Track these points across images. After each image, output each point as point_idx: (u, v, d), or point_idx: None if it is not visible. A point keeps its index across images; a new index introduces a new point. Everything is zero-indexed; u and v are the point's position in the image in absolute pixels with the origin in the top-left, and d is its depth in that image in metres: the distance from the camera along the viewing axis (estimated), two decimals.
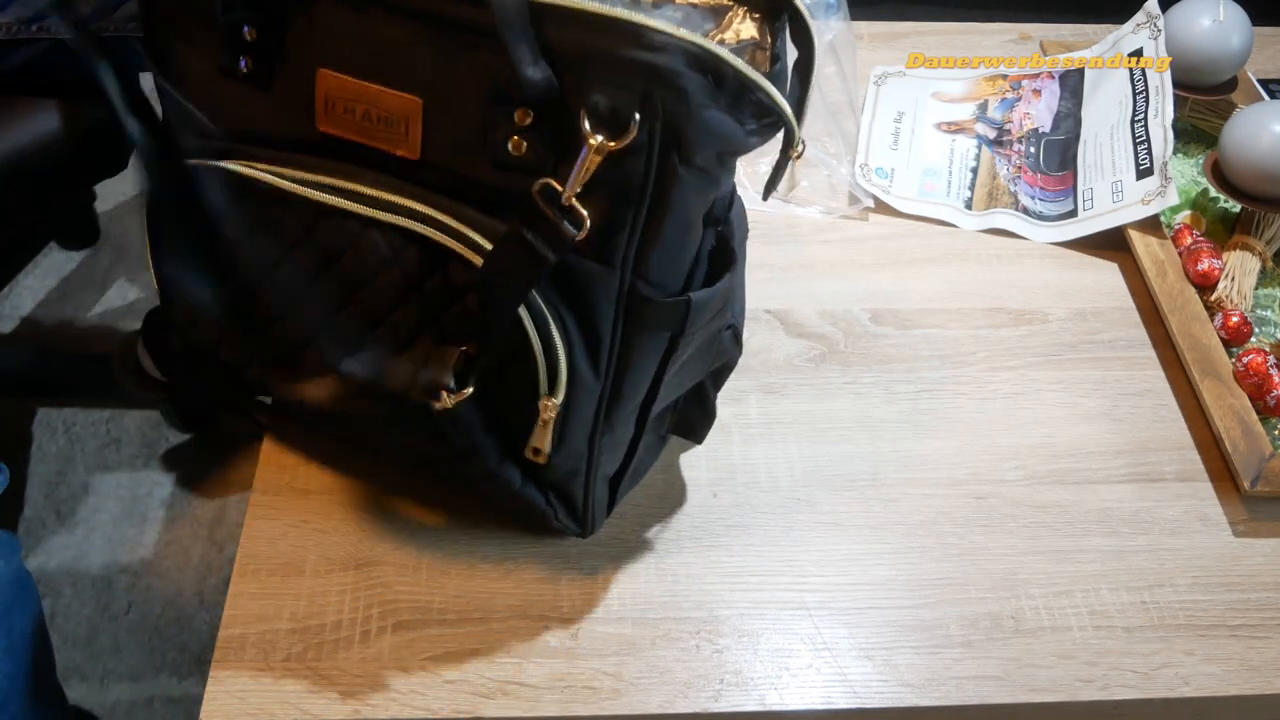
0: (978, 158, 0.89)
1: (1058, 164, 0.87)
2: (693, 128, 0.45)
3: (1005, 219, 0.84)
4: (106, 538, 1.23)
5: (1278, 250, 0.81)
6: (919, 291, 0.78)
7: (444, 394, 0.50)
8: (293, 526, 0.62)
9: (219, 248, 0.55)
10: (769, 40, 0.47)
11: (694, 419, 0.64)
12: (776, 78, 0.47)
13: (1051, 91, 0.93)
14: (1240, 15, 0.87)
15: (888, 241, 0.82)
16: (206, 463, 1.30)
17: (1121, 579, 0.62)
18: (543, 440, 0.53)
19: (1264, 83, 0.96)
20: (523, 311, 0.49)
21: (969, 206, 0.85)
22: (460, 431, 0.53)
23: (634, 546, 0.62)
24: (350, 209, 0.50)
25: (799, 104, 0.48)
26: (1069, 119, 0.90)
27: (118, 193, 1.59)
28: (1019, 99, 0.93)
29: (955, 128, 0.91)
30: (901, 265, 0.81)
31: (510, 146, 0.47)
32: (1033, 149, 0.89)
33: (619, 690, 0.56)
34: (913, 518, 0.65)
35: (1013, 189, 0.86)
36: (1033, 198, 0.86)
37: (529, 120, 0.46)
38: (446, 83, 0.47)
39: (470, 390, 0.51)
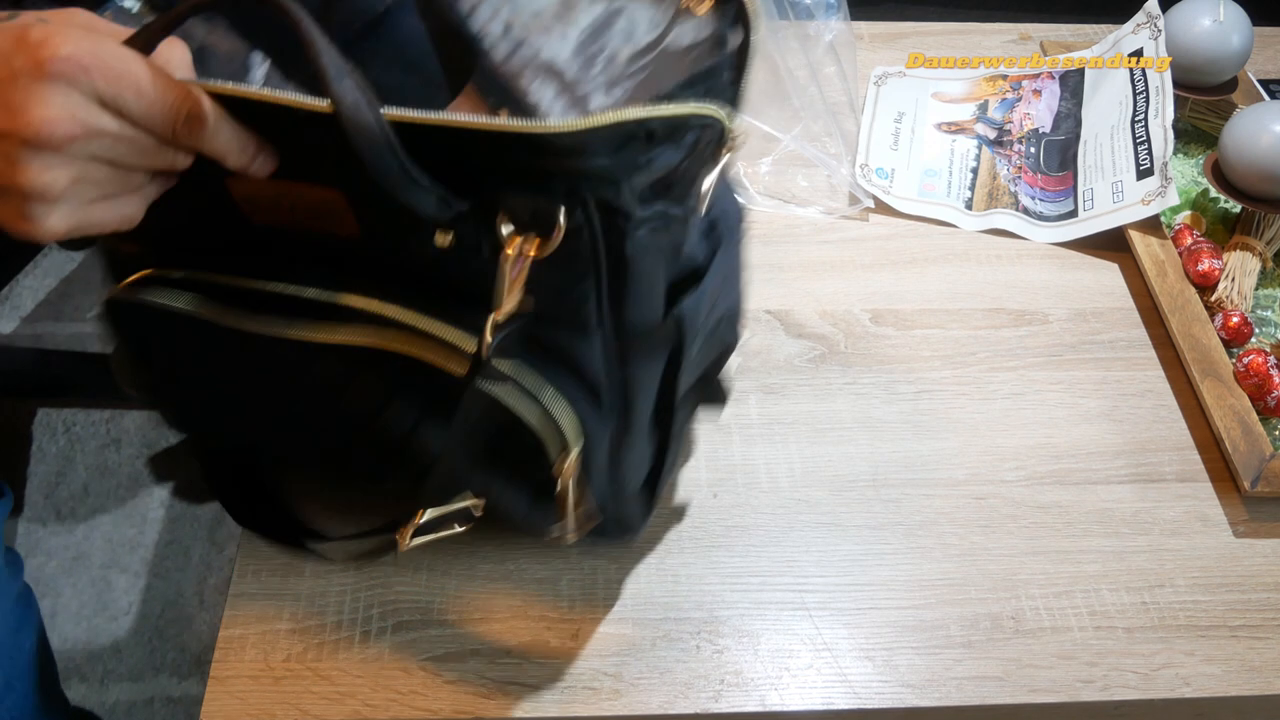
0: (978, 158, 0.89)
1: (1058, 164, 0.87)
2: (628, 192, 0.43)
3: (1005, 219, 0.84)
4: (106, 538, 1.23)
5: (1278, 250, 0.81)
6: (919, 291, 0.78)
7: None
8: None
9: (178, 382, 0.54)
10: (714, 20, 0.45)
11: (707, 404, 0.64)
12: (712, 74, 0.44)
13: (1052, 92, 0.93)
14: (1240, 15, 0.87)
15: (888, 241, 0.82)
16: None
17: (1122, 579, 0.62)
18: (565, 507, 0.52)
19: (1264, 83, 0.96)
20: (514, 398, 0.47)
21: (969, 207, 0.85)
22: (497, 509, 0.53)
23: (634, 546, 0.62)
24: (302, 338, 0.47)
25: (735, 93, 0.46)
26: (1069, 119, 0.90)
27: None
28: (1019, 99, 0.93)
29: (955, 128, 0.91)
30: (901, 265, 0.81)
31: (436, 241, 0.44)
32: (1033, 149, 0.89)
33: (619, 690, 0.56)
34: (913, 518, 0.65)
35: (1013, 189, 0.86)
36: (1033, 198, 0.86)
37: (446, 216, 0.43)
38: (358, 180, 0.42)
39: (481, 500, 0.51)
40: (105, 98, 0.37)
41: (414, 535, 0.51)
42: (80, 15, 0.40)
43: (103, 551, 1.22)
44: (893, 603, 0.61)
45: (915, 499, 0.66)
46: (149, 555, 1.22)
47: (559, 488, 0.50)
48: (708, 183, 0.46)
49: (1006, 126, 0.91)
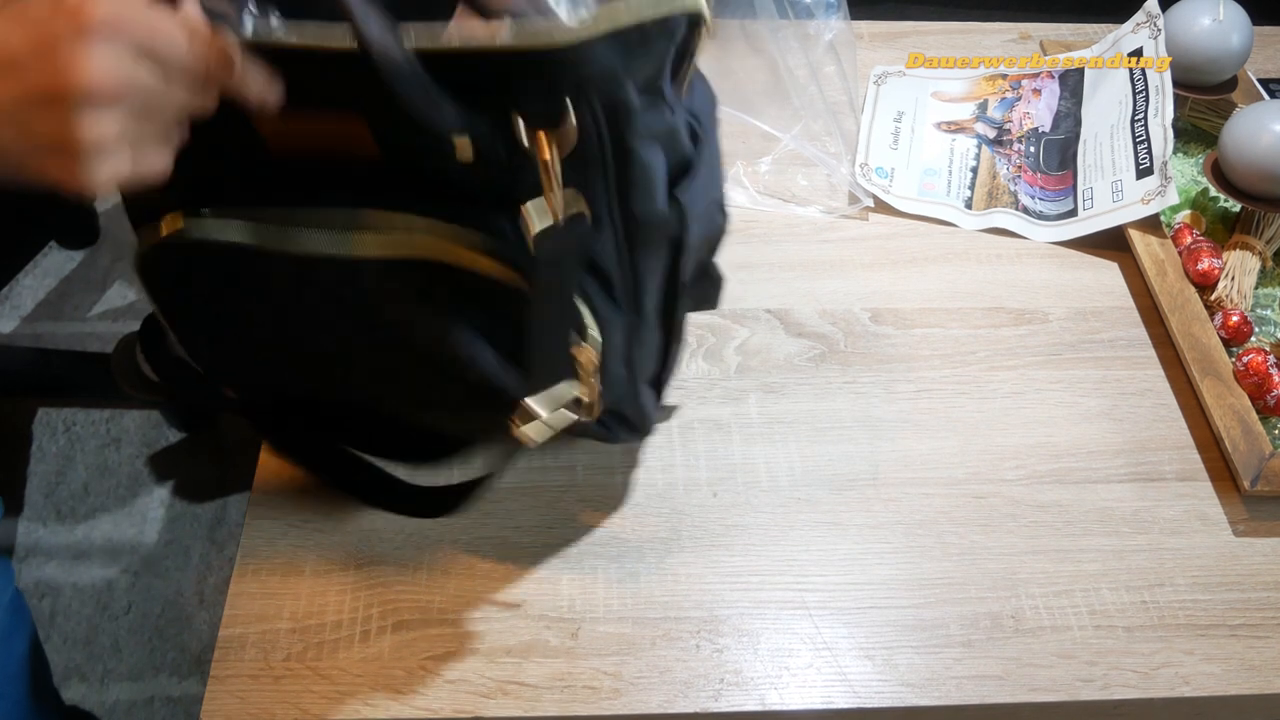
0: (978, 157, 0.89)
1: (1058, 163, 0.87)
2: (630, 86, 0.46)
3: (1005, 218, 0.84)
4: (106, 538, 1.23)
5: (1278, 250, 0.81)
6: (919, 291, 0.78)
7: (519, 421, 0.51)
8: (293, 526, 0.62)
9: (221, 324, 0.54)
10: None
11: (706, 292, 0.65)
12: None
13: (1051, 91, 0.93)
14: (1240, 15, 0.87)
15: (888, 241, 0.82)
16: (206, 463, 1.30)
17: (1121, 578, 0.62)
18: (591, 393, 0.53)
19: (1264, 82, 0.96)
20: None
21: (969, 206, 0.85)
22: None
23: (634, 546, 0.62)
24: (342, 255, 0.49)
25: None
26: (1069, 118, 0.90)
27: (117, 194, 1.59)
28: (1019, 99, 0.93)
29: (955, 127, 0.91)
30: (901, 265, 0.81)
31: (459, 156, 0.46)
32: (1033, 149, 0.89)
33: (619, 690, 0.56)
34: (913, 517, 0.65)
35: (1013, 188, 0.86)
36: (1033, 197, 0.86)
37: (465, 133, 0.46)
38: (378, 108, 0.45)
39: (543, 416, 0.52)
40: (144, 51, 0.39)
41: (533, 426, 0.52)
42: None
43: (103, 551, 1.23)
44: (892, 602, 0.61)
45: (915, 498, 0.66)
46: (149, 555, 1.22)
47: (580, 379, 0.53)
48: (691, 69, 0.48)
49: (1006, 126, 0.91)
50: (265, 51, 0.44)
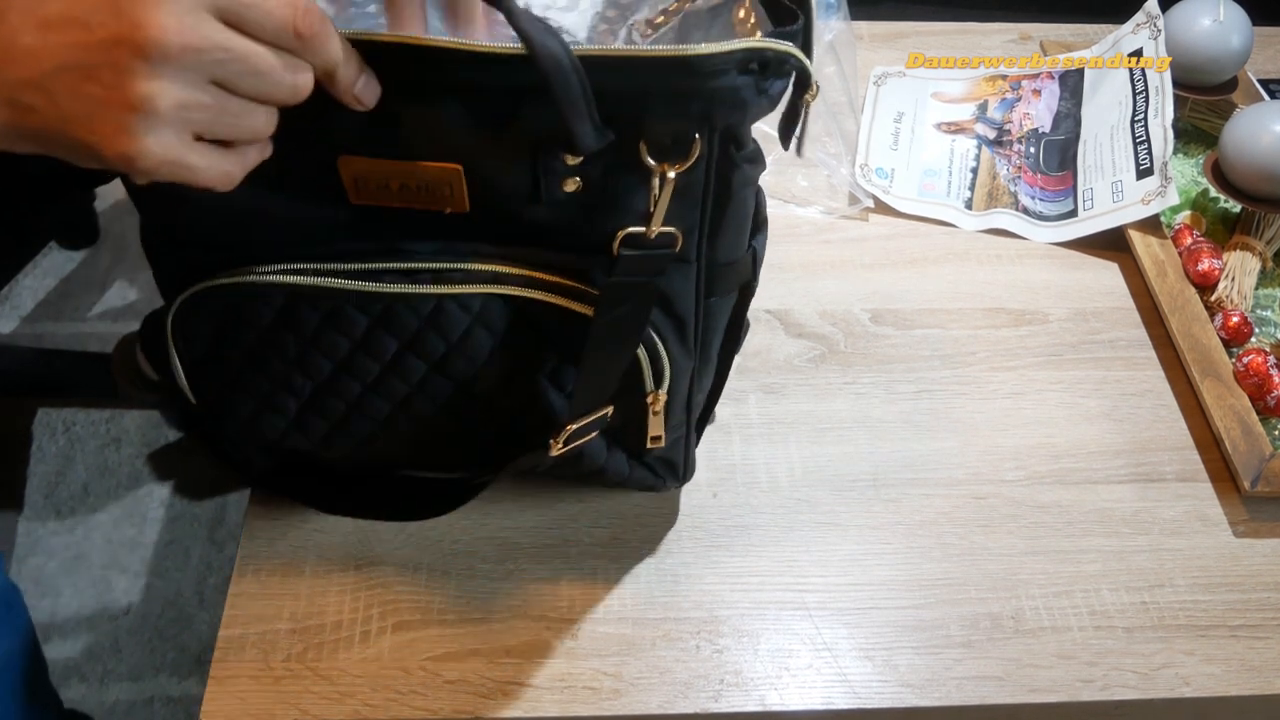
0: (978, 158, 0.89)
1: (1058, 164, 0.87)
2: (745, 122, 0.46)
3: (1005, 219, 0.84)
4: (106, 538, 1.23)
5: (1278, 250, 0.81)
6: (919, 291, 0.78)
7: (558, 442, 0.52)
8: (293, 526, 0.62)
9: (268, 367, 0.53)
10: None
11: (740, 336, 0.65)
12: (794, 36, 0.46)
13: (1051, 91, 0.93)
14: (1240, 15, 0.87)
15: (888, 241, 0.82)
16: (206, 463, 1.30)
17: (1122, 579, 0.62)
18: (658, 428, 0.55)
19: (1264, 83, 0.96)
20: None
21: (969, 206, 0.85)
22: (585, 455, 0.55)
23: (634, 546, 0.62)
24: (421, 293, 0.49)
25: (806, 46, 0.48)
26: (1069, 119, 0.90)
27: (118, 192, 1.59)
28: (1019, 99, 0.93)
29: (955, 128, 0.91)
30: (901, 265, 0.81)
31: (564, 187, 0.47)
32: (1033, 149, 0.89)
33: (619, 690, 0.56)
34: (913, 518, 0.65)
35: (1013, 189, 0.86)
36: (1033, 198, 0.86)
37: (579, 160, 0.46)
38: (486, 146, 0.46)
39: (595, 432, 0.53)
40: (222, 9, 0.37)
41: (565, 442, 0.52)
42: None
43: (103, 551, 1.22)
44: (893, 602, 0.61)
45: (915, 499, 0.66)
46: (149, 555, 1.22)
47: (650, 420, 0.54)
48: (799, 126, 0.49)
49: (1006, 126, 0.91)
50: (398, 57, 0.42)
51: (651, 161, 0.45)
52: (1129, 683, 0.58)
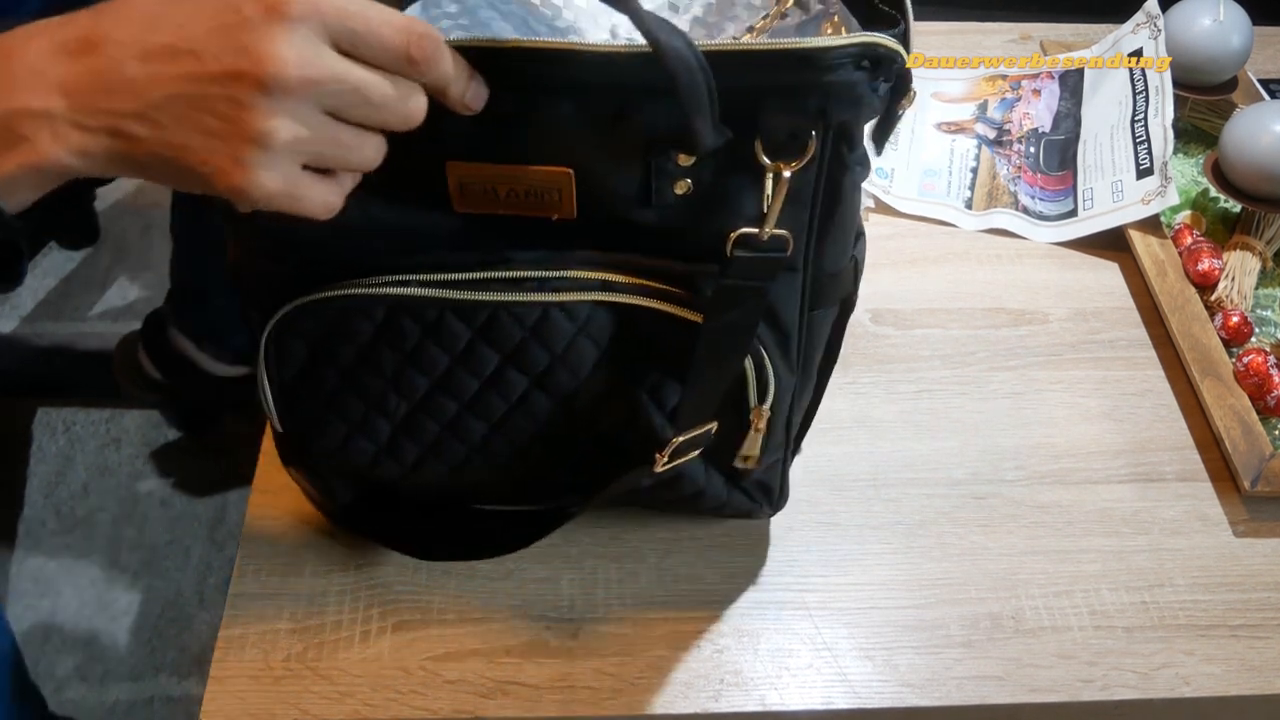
0: (978, 158, 0.89)
1: (1058, 164, 0.87)
2: (859, 119, 0.46)
3: (1005, 219, 0.84)
4: (106, 538, 1.23)
5: (1278, 250, 0.81)
6: (919, 291, 0.78)
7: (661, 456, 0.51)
8: (293, 526, 0.62)
9: (363, 387, 0.51)
10: None
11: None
12: (898, 38, 0.46)
13: (1051, 91, 0.93)
14: (1240, 15, 0.87)
15: (888, 241, 0.82)
16: (206, 463, 1.30)
17: (1122, 579, 0.62)
18: (755, 447, 0.54)
19: (1264, 83, 0.96)
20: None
21: (969, 206, 0.85)
22: (684, 477, 0.54)
23: (634, 546, 0.62)
24: (527, 300, 0.48)
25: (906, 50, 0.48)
26: (1069, 119, 0.90)
27: (118, 193, 1.59)
28: (1019, 99, 0.93)
29: (955, 128, 0.91)
30: (901, 265, 0.80)
31: (675, 190, 0.46)
32: (1033, 149, 0.89)
33: (619, 690, 0.56)
34: (913, 518, 0.65)
35: (1013, 189, 0.86)
36: (1033, 197, 0.86)
37: (691, 160, 0.45)
38: (599, 149, 0.45)
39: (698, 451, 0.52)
40: (337, 37, 0.36)
41: (670, 458, 0.52)
42: None
43: (103, 551, 1.22)
44: (892, 602, 0.61)
45: (915, 498, 0.66)
46: (149, 555, 1.22)
47: (750, 436, 0.52)
48: (895, 130, 0.48)
49: (1006, 126, 0.91)
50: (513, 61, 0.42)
51: (767, 160, 0.45)
52: (1129, 683, 0.58)
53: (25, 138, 0.37)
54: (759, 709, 0.56)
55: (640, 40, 0.40)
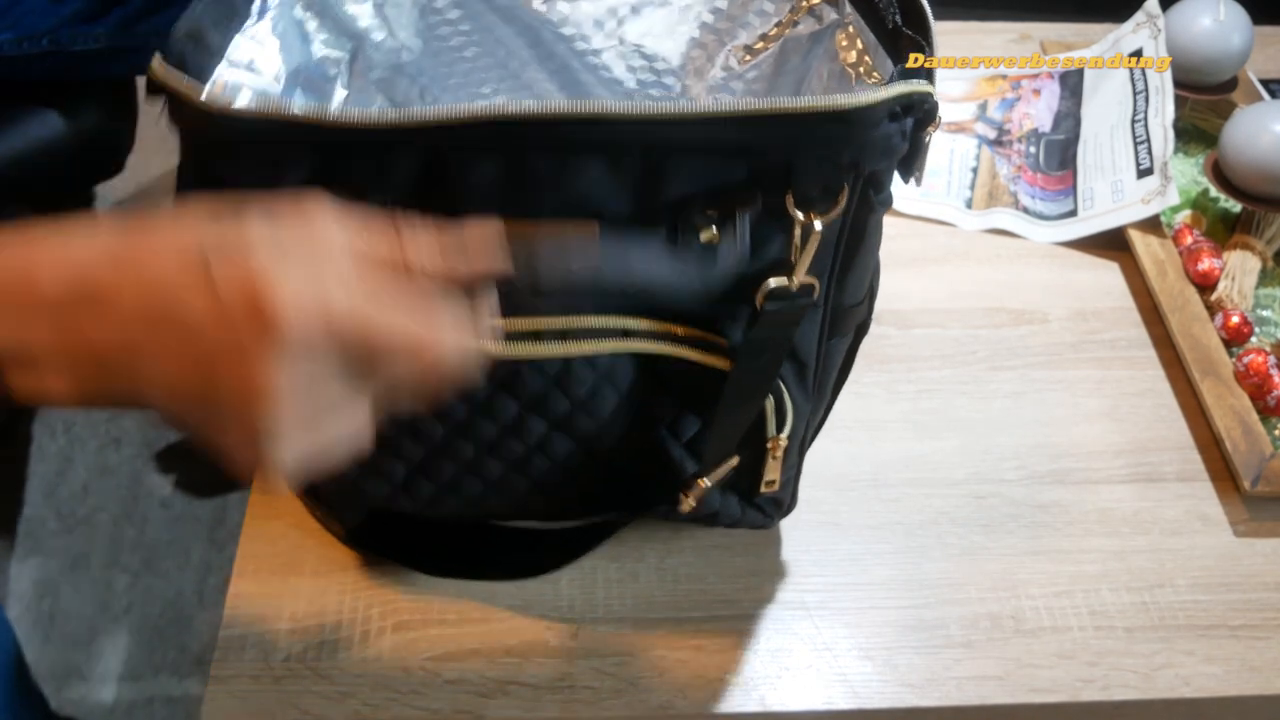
0: (978, 157, 0.89)
1: (1058, 164, 0.87)
2: (891, 167, 0.46)
3: (1005, 218, 0.84)
4: (106, 538, 1.23)
5: (1278, 250, 0.81)
6: (919, 291, 0.78)
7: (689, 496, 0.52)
8: (293, 526, 0.62)
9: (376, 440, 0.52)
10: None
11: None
12: (925, 74, 0.46)
13: (1051, 91, 0.93)
14: (1240, 15, 0.87)
15: (888, 242, 0.81)
16: (206, 463, 1.30)
17: (1122, 579, 0.62)
18: (775, 472, 0.54)
19: (1264, 83, 0.96)
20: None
21: (969, 206, 0.85)
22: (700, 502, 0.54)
23: (634, 546, 0.62)
24: (553, 354, 0.47)
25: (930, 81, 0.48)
26: (1069, 119, 0.90)
27: (118, 193, 1.59)
28: (1019, 99, 0.93)
29: (955, 127, 0.91)
30: (901, 265, 0.80)
31: (702, 238, 0.45)
32: (1033, 149, 0.89)
33: (619, 690, 0.56)
34: (913, 518, 0.65)
35: (1013, 189, 0.86)
36: (1033, 197, 0.85)
37: (717, 212, 0.45)
38: (622, 204, 0.44)
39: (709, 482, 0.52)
40: (352, 364, 0.32)
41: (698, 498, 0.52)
42: (319, 216, 0.33)
43: (103, 551, 1.22)
44: (892, 602, 0.61)
45: (915, 498, 0.66)
46: (149, 555, 1.22)
47: (770, 464, 0.53)
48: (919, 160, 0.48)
49: (1006, 126, 0.91)
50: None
51: (799, 215, 0.44)
52: (1129, 683, 0.58)
53: None
54: (759, 709, 0.56)
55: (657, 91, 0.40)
